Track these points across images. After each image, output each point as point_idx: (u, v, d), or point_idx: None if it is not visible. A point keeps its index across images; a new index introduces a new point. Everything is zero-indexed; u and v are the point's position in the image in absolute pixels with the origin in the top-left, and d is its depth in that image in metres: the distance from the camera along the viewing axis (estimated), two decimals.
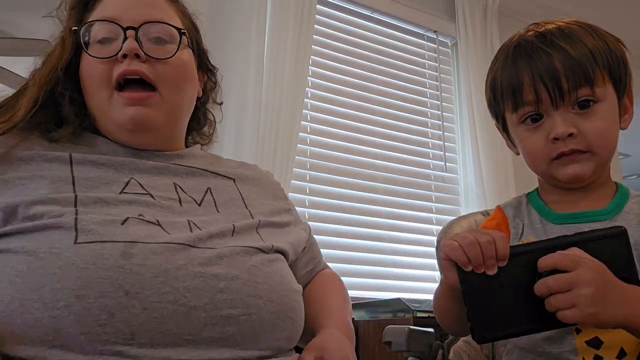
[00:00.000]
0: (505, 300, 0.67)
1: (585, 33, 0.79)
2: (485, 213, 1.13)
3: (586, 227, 0.78)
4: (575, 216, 0.81)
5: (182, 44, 0.79)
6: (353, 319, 2.05)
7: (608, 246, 0.67)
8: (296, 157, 2.16)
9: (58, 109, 0.77)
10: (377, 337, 1.84)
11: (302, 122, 2.21)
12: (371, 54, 2.60)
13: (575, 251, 0.66)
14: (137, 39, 0.74)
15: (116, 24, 0.75)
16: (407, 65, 2.71)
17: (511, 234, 0.85)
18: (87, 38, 0.76)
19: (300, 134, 2.19)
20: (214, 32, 2.19)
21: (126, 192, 0.71)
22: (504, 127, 0.89)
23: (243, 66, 2.10)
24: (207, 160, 0.86)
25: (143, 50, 0.74)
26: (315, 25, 2.35)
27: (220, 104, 0.96)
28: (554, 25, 0.81)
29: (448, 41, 2.88)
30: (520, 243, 0.77)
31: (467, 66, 2.71)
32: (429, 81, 2.77)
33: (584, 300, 0.63)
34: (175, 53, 0.77)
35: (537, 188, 0.90)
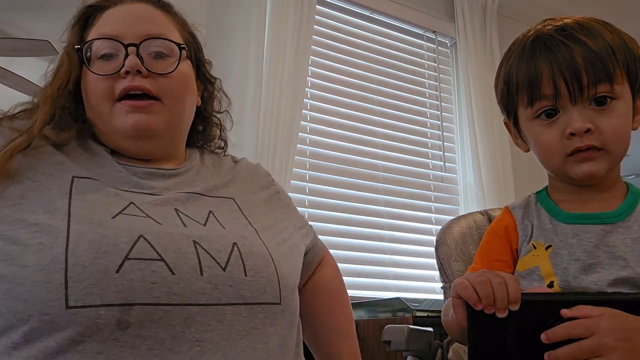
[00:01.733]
0: (508, 346, 0.65)
1: (603, 29, 0.78)
2: (485, 213, 1.13)
3: (598, 228, 0.77)
4: (587, 217, 0.80)
5: (182, 57, 0.81)
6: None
7: (631, 310, 0.64)
8: (296, 157, 2.17)
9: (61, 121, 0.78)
10: (376, 337, 1.85)
11: (301, 122, 2.22)
12: (370, 54, 2.61)
13: (594, 310, 0.63)
14: (138, 55, 0.76)
15: (118, 41, 0.77)
16: (406, 65, 2.72)
17: (520, 235, 0.84)
18: (89, 54, 0.78)
19: (300, 134, 2.19)
20: (214, 32, 2.19)
21: (124, 214, 0.68)
22: (515, 123, 0.86)
23: (243, 66, 2.10)
24: (206, 175, 0.85)
25: (144, 67, 0.76)
26: (315, 26, 2.35)
27: (221, 112, 0.97)
28: (572, 20, 0.79)
29: (447, 41, 2.89)
30: (534, 291, 0.72)
31: (466, 66, 2.72)
32: (428, 81, 2.78)
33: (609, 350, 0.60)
34: (176, 67, 0.79)
35: (546, 187, 0.88)
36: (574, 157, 0.76)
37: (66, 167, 0.73)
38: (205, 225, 0.73)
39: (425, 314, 1.82)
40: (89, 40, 0.78)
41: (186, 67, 0.83)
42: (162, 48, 0.79)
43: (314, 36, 2.35)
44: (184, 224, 0.71)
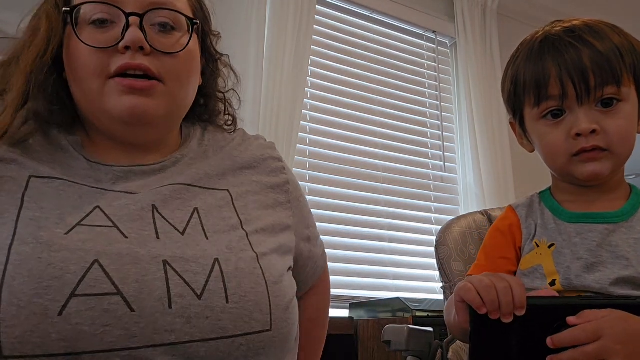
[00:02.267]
0: (512, 349, 0.64)
1: (611, 31, 0.79)
2: (485, 213, 1.13)
3: (601, 228, 0.78)
4: (590, 216, 0.80)
5: (186, 31, 0.69)
6: (352, 318, 2.05)
7: (636, 313, 0.64)
8: (296, 157, 2.17)
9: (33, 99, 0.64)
10: (376, 337, 1.85)
11: (301, 122, 2.22)
12: (370, 54, 2.60)
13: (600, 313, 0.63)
14: (141, 27, 0.64)
15: (116, 7, 0.64)
16: (406, 65, 2.72)
17: (523, 234, 0.84)
18: (77, 16, 0.65)
19: (299, 133, 2.19)
20: None
21: (84, 225, 0.58)
22: (520, 123, 0.86)
23: (242, 66, 2.10)
24: (201, 162, 0.73)
25: (148, 43, 0.64)
26: (315, 26, 2.35)
27: (227, 91, 0.85)
28: (580, 22, 0.80)
29: (447, 41, 2.89)
30: (538, 294, 0.71)
31: (466, 66, 2.72)
32: (428, 81, 2.78)
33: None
34: (186, 46, 0.67)
35: (549, 187, 0.88)
36: (579, 157, 0.77)
37: (22, 166, 0.61)
38: (183, 234, 0.62)
39: (425, 314, 1.82)
40: (80, 3, 0.65)
41: (194, 44, 0.70)
42: (168, 20, 0.67)
43: (314, 36, 2.35)
44: (157, 236, 0.60)
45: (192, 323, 0.55)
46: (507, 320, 0.63)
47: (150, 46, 0.64)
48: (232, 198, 0.70)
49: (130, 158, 0.69)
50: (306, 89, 2.29)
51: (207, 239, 0.63)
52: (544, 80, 0.78)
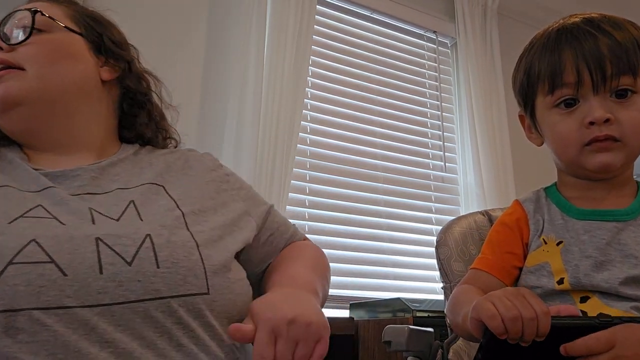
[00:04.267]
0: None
1: (629, 24, 0.79)
2: (485, 213, 1.12)
3: (610, 225, 0.77)
4: (599, 213, 0.79)
5: (55, 29, 0.79)
6: (352, 318, 2.05)
7: None
8: (296, 157, 2.17)
9: None
10: (376, 337, 1.85)
11: (302, 122, 2.22)
12: (371, 54, 2.60)
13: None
14: (3, 35, 0.77)
15: None
16: (406, 65, 2.72)
17: (531, 229, 0.83)
18: None
19: (300, 134, 2.19)
20: (215, 33, 2.20)
21: (26, 217, 0.64)
22: (531, 114, 0.85)
23: (243, 66, 2.10)
24: (132, 169, 0.80)
25: (4, 41, 0.76)
26: (315, 26, 2.35)
27: (137, 91, 0.89)
28: (598, 14, 0.80)
29: (447, 41, 2.89)
30: (556, 311, 0.67)
31: (466, 66, 2.72)
32: (429, 81, 2.77)
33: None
34: (30, 32, 0.77)
35: (554, 183, 0.87)
36: (591, 146, 0.76)
37: None
38: (118, 220, 0.67)
39: (425, 315, 1.82)
40: None
41: (59, 37, 0.80)
42: (24, 20, 0.78)
43: (314, 36, 2.35)
44: (92, 222, 0.65)
45: (124, 286, 0.59)
46: (525, 344, 0.60)
47: (6, 43, 0.76)
48: (166, 190, 0.75)
49: (69, 162, 0.77)
50: (306, 89, 2.29)
51: (142, 220, 0.68)
52: (560, 67, 0.77)
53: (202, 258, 0.66)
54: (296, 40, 2.21)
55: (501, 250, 0.84)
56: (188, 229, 0.68)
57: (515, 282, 0.85)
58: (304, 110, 2.25)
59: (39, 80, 0.76)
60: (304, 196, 2.24)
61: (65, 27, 0.81)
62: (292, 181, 2.11)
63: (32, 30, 0.77)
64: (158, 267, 0.62)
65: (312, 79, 2.37)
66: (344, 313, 2.10)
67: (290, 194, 2.10)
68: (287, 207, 2.08)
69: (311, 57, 2.32)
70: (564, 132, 0.78)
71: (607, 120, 0.74)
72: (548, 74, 0.78)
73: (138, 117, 0.88)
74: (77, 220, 0.65)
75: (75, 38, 0.82)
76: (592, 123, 0.75)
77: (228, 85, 2.14)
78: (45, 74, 0.77)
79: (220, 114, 2.11)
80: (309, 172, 2.29)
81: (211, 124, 2.12)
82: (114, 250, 0.61)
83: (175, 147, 0.93)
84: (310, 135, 2.33)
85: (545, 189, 0.88)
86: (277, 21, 2.19)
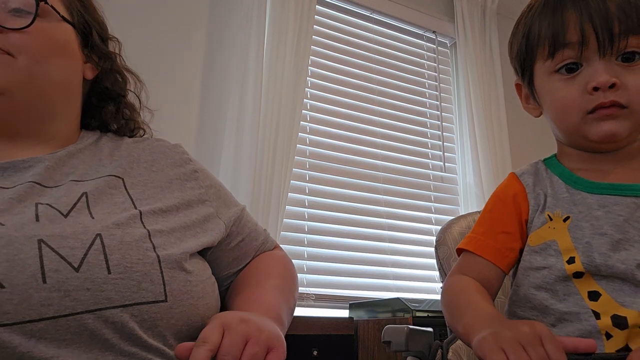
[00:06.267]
0: None
1: None
2: None
3: (629, 201, 0.69)
4: (617, 187, 0.71)
5: (51, 17, 0.73)
6: (352, 318, 2.04)
7: None
8: (296, 157, 2.17)
9: None
10: (376, 337, 1.85)
11: (301, 122, 2.22)
12: (370, 54, 2.61)
13: None
14: None
15: None
16: (406, 65, 2.72)
17: (531, 205, 0.76)
18: None
19: (299, 134, 2.19)
20: (215, 33, 2.20)
21: None
22: (529, 82, 0.78)
23: (243, 66, 2.10)
24: (90, 160, 0.74)
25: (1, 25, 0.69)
26: (315, 26, 2.36)
27: (126, 94, 0.85)
28: None
29: (447, 42, 2.89)
30: (572, 345, 0.59)
31: (466, 66, 2.72)
32: (428, 81, 2.78)
33: None
34: (32, 22, 0.70)
35: (554, 154, 0.80)
36: (594, 114, 0.69)
37: None
38: (66, 216, 0.60)
39: (425, 314, 1.82)
40: None
41: (56, 28, 0.74)
42: (20, 4, 0.71)
43: (314, 36, 2.35)
44: (36, 219, 0.58)
45: (71, 296, 0.54)
46: None
47: (5, 27, 0.68)
48: (124, 184, 0.69)
49: (24, 154, 0.70)
50: (306, 89, 2.29)
51: (93, 218, 0.61)
52: (562, 27, 0.70)
53: (159, 261, 0.60)
54: (296, 40, 2.22)
55: (495, 230, 0.77)
56: (145, 228, 0.63)
57: (515, 264, 0.79)
58: (303, 110, 2.26)
59: (26, 74, 0.69)
60: (303, 196, 2.25)
61: (62, 17, 0.75)
62: (291, 181, 2.12)
63: (35, 18, 0.70)
64: (109, 272, 0.56)
65: (311, 79, 2.37)
66: (344, 313, 2.11)
67: (290, 194, 2.10)
68: (287, 207, 2.08)
69: (311, 57, 2.33)
70: (565, 99, 0.71)
71: (612, 86, 0.68)
72: (549, 35, 0.72)
73: (106, 109, 0.83)
74: (19, 217, 0.58)
75: (69, 31, 0.76)
76: (596, 89, 0.68)
77: (228, 85, 2.15)
78: (35, 70, 0.70)
79: (220, 114, 2.12)
80: (309, 172, 2.29)
81: (211, 123, 2.12)
82: (58, 254, 0.55)
83: (135, 129, 0.86)
84: (310, 135, 2.33)
85: (544, 160, 0.80)
86: (277, 21, 2.20)
